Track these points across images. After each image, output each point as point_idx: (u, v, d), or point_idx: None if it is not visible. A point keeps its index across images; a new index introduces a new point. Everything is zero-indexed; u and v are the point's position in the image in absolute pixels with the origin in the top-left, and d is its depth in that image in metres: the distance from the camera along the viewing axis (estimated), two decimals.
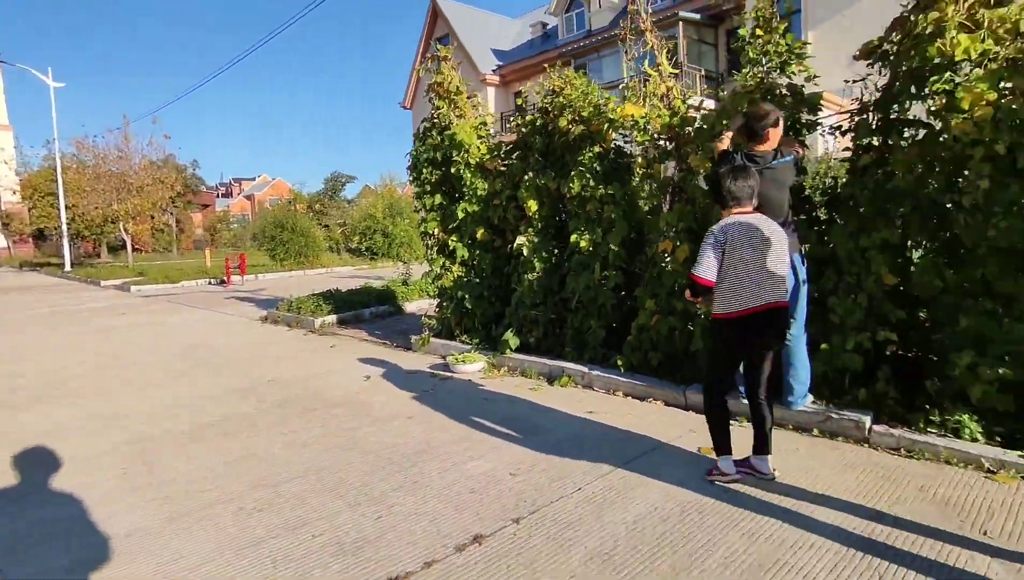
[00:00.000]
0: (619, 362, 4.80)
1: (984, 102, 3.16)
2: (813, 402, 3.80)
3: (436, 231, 6.58)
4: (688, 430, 3.86)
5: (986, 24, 3.23)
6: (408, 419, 4.36)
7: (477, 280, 6.19)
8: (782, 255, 2.98)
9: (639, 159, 5.05)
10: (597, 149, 5.05)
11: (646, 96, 4.82)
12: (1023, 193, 3.22)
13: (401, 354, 6.59)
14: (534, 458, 3.53)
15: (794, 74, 4.26)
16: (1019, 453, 3.03)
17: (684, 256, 4.39)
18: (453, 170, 6.19)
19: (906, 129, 3.76)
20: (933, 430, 3.35)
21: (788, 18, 4.40)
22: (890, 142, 3.82)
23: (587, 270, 5.07)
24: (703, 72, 18.28)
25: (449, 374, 5.58)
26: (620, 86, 5.26)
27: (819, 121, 4.28)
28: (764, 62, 4.31)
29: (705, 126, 4.46)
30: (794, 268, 3.59)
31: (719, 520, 2.73)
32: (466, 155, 6.13)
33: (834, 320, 3.79)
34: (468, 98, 6.65)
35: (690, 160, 4.46)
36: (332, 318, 8.49)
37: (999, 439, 3.18)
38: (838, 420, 3.61)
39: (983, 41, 3.22)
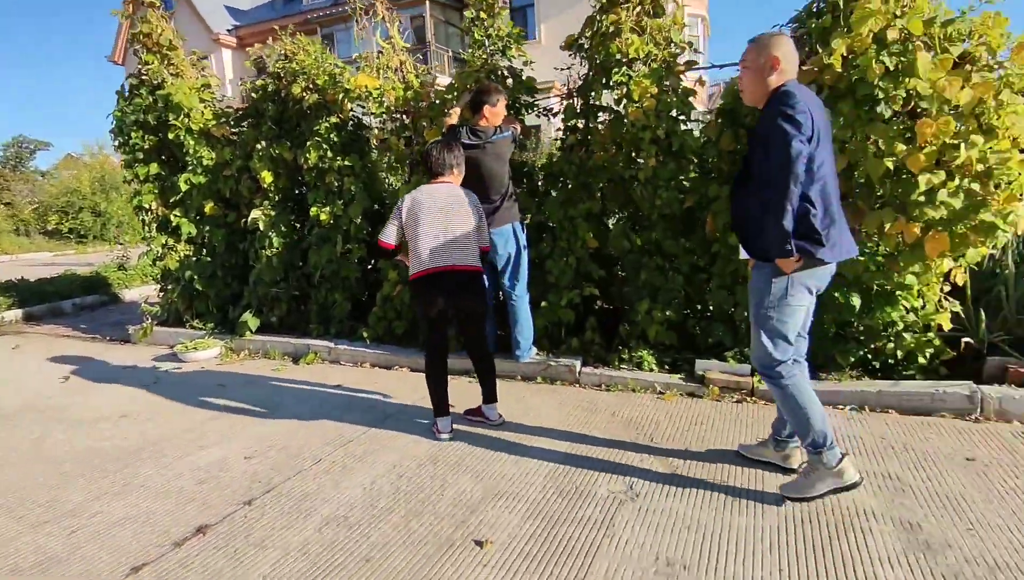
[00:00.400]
0: (365, 334, 4.82)
1: (649, 95, 3.86)
2: (537, 354, 4.30)
3: (154, 205, 5.76)
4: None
5: (648, 30, 3.94)
6: (122, 418, 3.80)
7: (208, 259, 5.60)
8: (468, 221, 3.27)
9: (375, 131, 5.06)
10: (334, 119, 4.91)
11: (379, 68, 4.83)
12: (679, 170, 4.04)
13: (116, 348, 5.68)
14: (273, 438, 3.38)
15: (514, 58, 4.67)
16: (679, 376, 3.85)
17: None
18: (172, 136, 5.46)
19: (600, 113, 4.41)
20: (625, 366, 4.06)
21: (506, 8, 4.78)
22: (590, 125, 4.44)
23: (329, 243, 4.94)
24: (451, 53, 18.88)
25: (178, 364, 4.99)
26: (355, 56, 5.18)
27: (535, 102, 4.78)
28: (487, 44, 4.63)
29: (437, 101, 4.66)
30: (515, 235, 4.00)
31: (451, 467, 2.95)
32: (187, 120, 5.45)
33: (551, 280, 4.32)
34: (189, 56, 5.90)
35: (425, 134, 4.62)
36: (15, 314, 6.93)
37: (667, 367, 3.99)
38: (556, 367, 4.15)
39: (647, 44, 3.92)
